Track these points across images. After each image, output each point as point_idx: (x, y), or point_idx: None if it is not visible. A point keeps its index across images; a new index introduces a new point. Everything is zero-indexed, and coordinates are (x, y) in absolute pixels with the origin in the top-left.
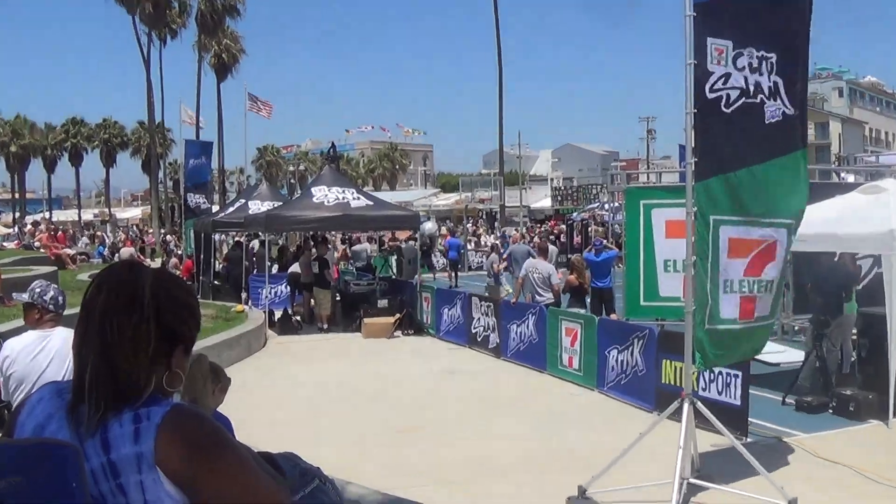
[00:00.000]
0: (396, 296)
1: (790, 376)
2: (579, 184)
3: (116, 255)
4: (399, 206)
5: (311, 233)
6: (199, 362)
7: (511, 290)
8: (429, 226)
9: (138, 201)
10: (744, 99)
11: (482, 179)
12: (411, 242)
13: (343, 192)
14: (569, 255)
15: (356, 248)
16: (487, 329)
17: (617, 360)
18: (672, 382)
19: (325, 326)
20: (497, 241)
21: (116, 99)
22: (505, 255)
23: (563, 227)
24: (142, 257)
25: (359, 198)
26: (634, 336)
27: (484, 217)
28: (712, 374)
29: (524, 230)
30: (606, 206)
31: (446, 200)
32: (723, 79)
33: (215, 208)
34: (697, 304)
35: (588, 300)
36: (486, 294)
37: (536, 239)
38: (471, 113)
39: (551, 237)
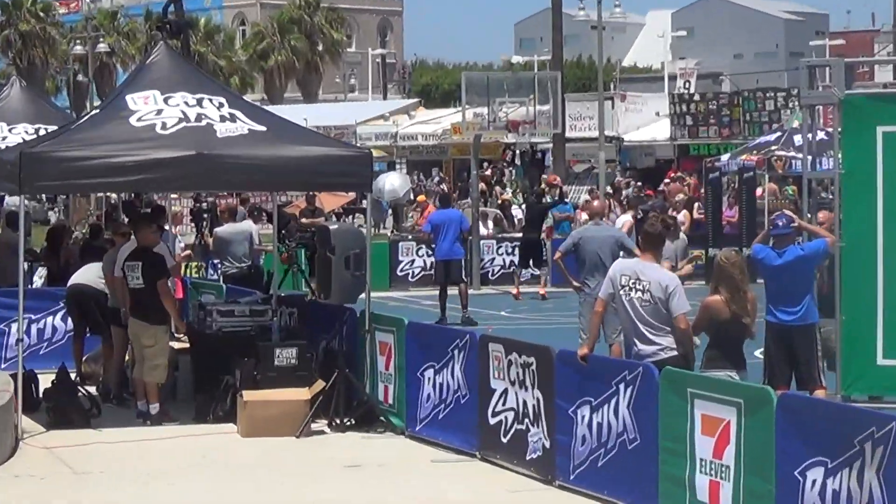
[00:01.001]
0: (317, 339)
1: None
2: (734, 88)
3: None
4: (327, 137)
5: (123, 196)
6: None
7: (584, 331)
8: (393, 182)
9: None
10: None
11: (513, 80)
12: (351, 221)
13: (200, 104)
14: (709, 248)
15: (225, 230)
16: (525, 417)
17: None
18: None
19: (155, 410)
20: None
21: None
22: (561, 250)
23: (696, 183)
24: None
25: (235, 117)
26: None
27: (518, 162)
28: None
29: (608, 190)
30: (798, 138)
31: (432, 125)
32: None
33: None
34: None
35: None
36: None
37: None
38: None
39: (669, 211)
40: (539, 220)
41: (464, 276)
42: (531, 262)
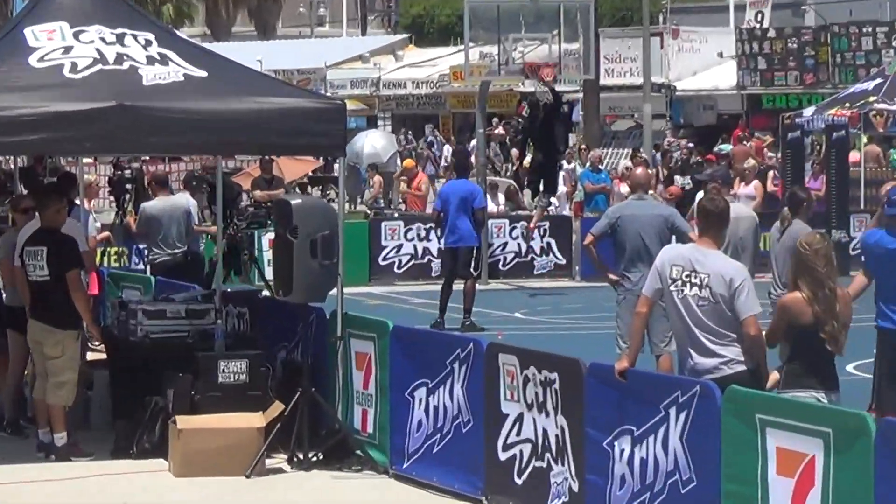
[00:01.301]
0: (274, 348)
1: None
2: (821, 21)
3: None
4: (288, 85)
5: (21, 161)
6: None
7: (623, 339)
8: (374, 143)
9: None
10: None
11: (532, 10)
12: (319, 194)
13: (120, 41)
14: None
15: (154, 206)
16: (545, 451)
17: None
18: None
19: (62, 441)
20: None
21: None
22: (593, 232)
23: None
24: None
25: (166, 59)
26: None
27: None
28: None
29: (657, 157)
30: None
31: (426, 69)
32: None
33: None
34: None
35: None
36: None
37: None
38: None
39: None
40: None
41: (473, 270)
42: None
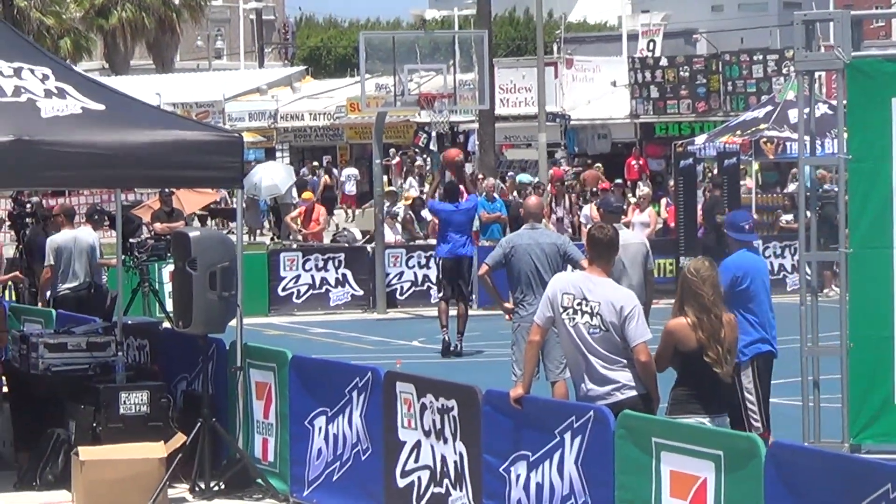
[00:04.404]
0: (174, 380)
1: None
2: (713, 50)
3: None
4: (186, 118)
5: None
6: None
7: (518, 366)
8: (272, 175)
9: None
10: None
11: (427, 41)
12: (219, 226)
13: (17, 75)
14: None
15: (60, 239)
16: (444, 477)
17: None
18: None
19: None
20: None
21: None
22: (488, 263)
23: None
24: None
25: (64, 93)
26: None
27: (434, 148)
28: None
29: (547, 186)
30: (794, 114)
31: (323, 101)
32: None
33: None
34: None
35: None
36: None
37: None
38: None
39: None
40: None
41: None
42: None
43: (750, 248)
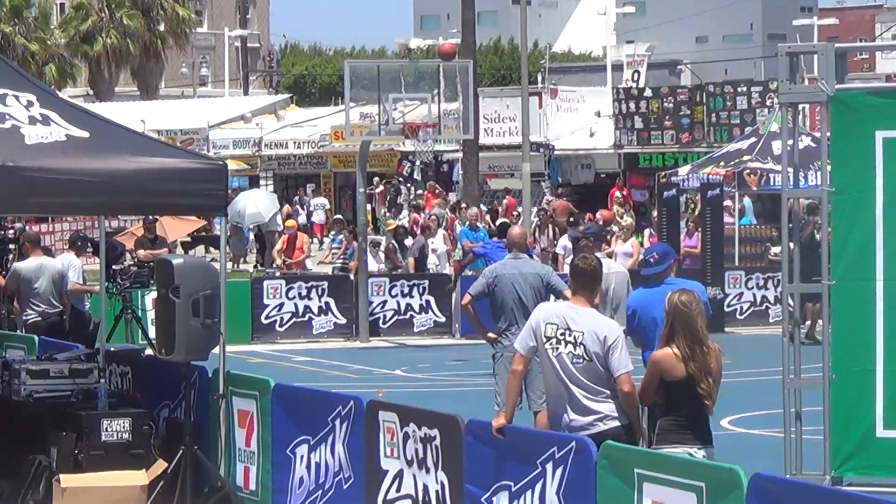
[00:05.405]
0: (157, 407)
1: None
2: (697, 81)
3: None
4: (170, 146)
5: None
6: None
7: (500, 396)
8: (256, 203)
9: None
10: None
11: (412, 70)
12: (203, 254)
13: (2, 101)
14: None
15: (25, 266)
16: None
17: None
18: None
19: None
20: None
21: None
22: (471, 292)
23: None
24: None
25: (48, 119)
26: None
27: (418, 177)
28: None
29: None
30: (777, 145)
31: (307, 129)
32: None
33: None
34: None
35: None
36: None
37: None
38: None
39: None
40: None
41: None
42: None
43: (648, 282)
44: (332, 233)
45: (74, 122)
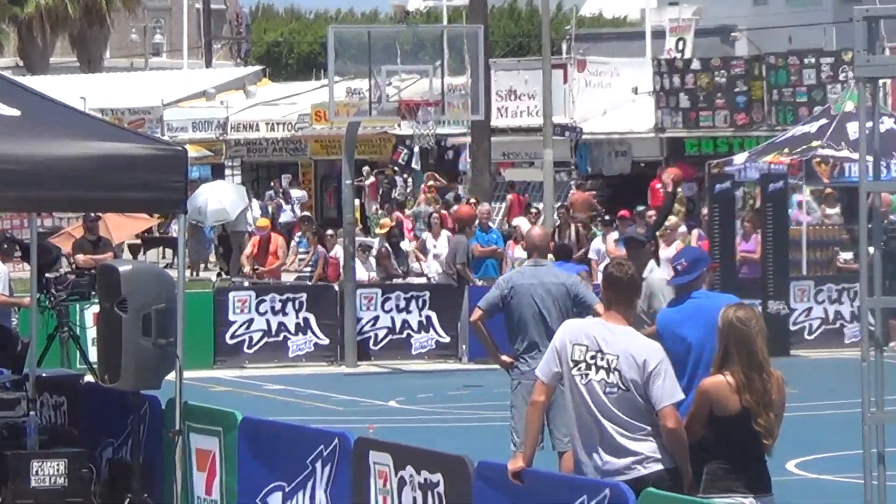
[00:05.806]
0: (98, 445)
1: None
2: (755, 51)
3: None
4: (117, 127)
5: None
6: None
7: (517, 433)
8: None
9: None
10: None
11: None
12: (148, 261)
13: None
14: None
15: None
16: None
17: None
18: None
19: None
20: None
21: None
22: (482, 306)
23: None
24: None
25: None
26: None
27: (417, 166)
28: None
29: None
30: (854, 129)
31: (283, 108)
32: None
33: None
34: None
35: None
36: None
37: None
38: None
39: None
40: None
41: None
42: None
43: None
44: (298, 234)
45: (1, 97)
